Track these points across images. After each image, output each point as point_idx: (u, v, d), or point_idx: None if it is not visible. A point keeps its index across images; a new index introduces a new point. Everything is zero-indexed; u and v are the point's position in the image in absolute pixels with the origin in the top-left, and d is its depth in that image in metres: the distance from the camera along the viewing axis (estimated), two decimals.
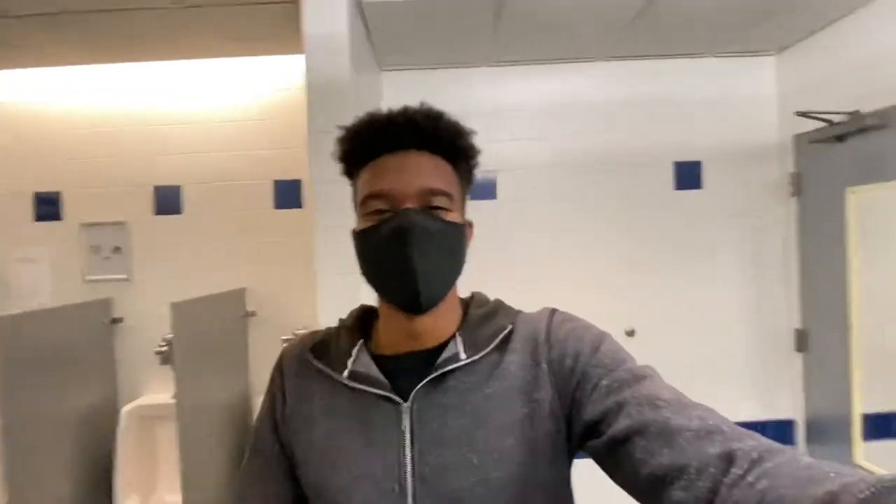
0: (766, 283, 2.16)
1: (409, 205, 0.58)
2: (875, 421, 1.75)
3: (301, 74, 1.48)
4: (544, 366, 0.59)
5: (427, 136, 0.60)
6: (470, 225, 0.66)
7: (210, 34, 1.84)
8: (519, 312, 0.66)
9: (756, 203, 2.17)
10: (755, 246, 2.18)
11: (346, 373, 0.61)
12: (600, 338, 0.60)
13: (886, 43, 1.67)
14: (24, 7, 1.58)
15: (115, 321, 2.13)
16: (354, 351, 0.63)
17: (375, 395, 0.60)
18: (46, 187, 2.14)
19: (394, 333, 0.64)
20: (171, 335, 1.63)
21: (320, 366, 0.64)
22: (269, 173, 2.15)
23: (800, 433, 2.11)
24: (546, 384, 0.59)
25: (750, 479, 0.40)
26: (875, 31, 1.72)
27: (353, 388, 0.61)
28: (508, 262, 2.07)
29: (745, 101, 2.17)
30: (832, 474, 0.37)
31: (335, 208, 1.34)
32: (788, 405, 2.13)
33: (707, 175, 2.17)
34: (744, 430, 0.47)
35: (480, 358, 0.60)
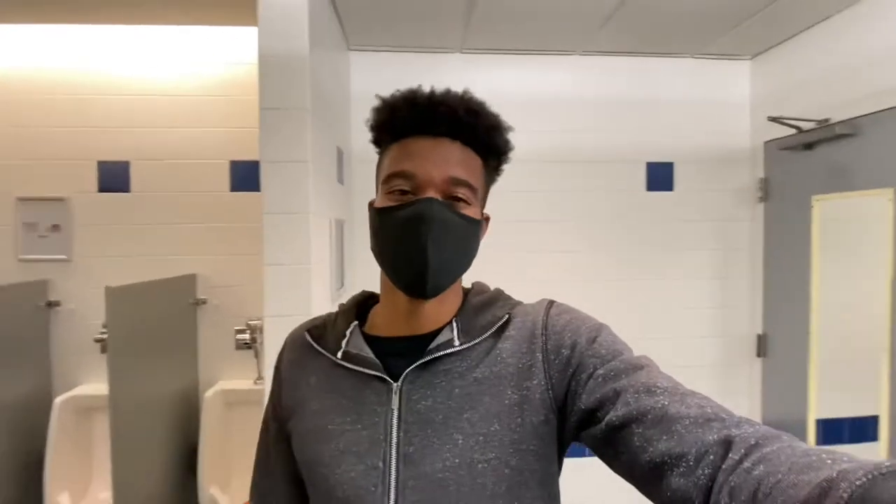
0: (732, 287, 2.17)
1: (431, 192, 0.58)
2: (827, 426, 1.78)
3: None
4: (539, 355, 0.59)
5: (464, 127, 0.60)
6: (487, 219, 0.67)
7: None
8: (518, 303, 0.67)
9: (725, 207, 2.16)
10: (723, 251, 2.18)
11: (339, 353, 0.63)
12: (597, 329, 0.60)
13: (859, 52, 1.66)
14: None
15: (52, 304, 1.98)
16: (348, 332, 0.64)
17: (367, 374, 0.61)
18: None
19: (393, 316, 0.64)
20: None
21: (317, 347, 0.66)
22: (225, 153, 2.03)
23: None
24: (539, 374, 0.59)
25: (747, 464, 0.41)
26: (849, 39, 1.71)
27: (346, 368, 0.62)
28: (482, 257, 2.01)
29: (720, 104, 2.16)
30: (829, 461, 0.37)
31: (285, 192, 1.25)
32: (746, 409, 2.14)
33: (679, 177, 2.15)
34: (741, 416, 0.47)
35: (474, 345, 0.61)
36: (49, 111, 1.97)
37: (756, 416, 2.13)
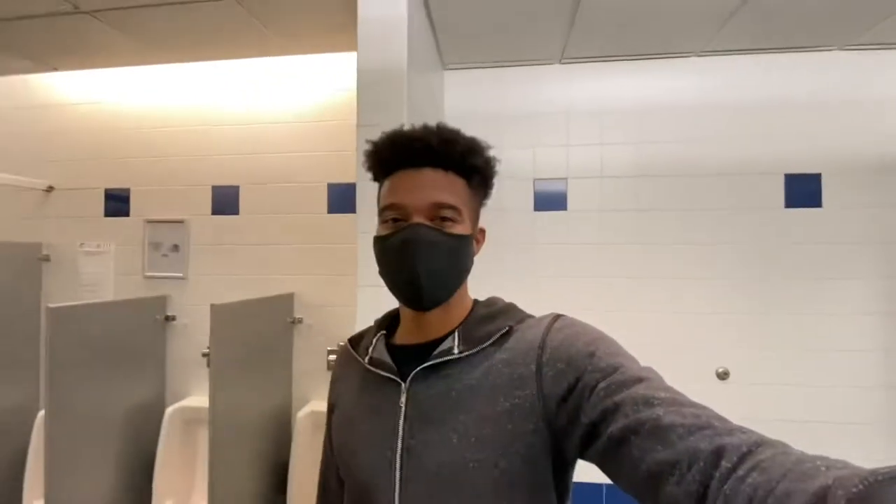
0: None
1: (418, 218, 0.66)
2: None
3: None
4: (532, 367, 0.62)
5: (441, 155, 0.67)
6: (481, 232, 0.75)
7: (270, 31, 1.80)
8: (528, 317, 0.71)
9: (892, 226, 1.77)
10: (888, 279, 1.77)
11: (367, 358, 0.73)
12: (596, 342, 0.61)
13: None
14: (90, 4, 1.61)
15: (169, 319, 2.13)
16: (374, 340, 0.74)
17: (385, 376, 0.70)
18: (117, 184, 2.21)
19: (407, 326, 0.74)
20: None
21: (354, 353, 0.77)
22: (323, 176, 2.07)
23: None
24: (531, 385, 0.62)
25: (740, 472, 0.41)
26: None
27: (372, 371, 0.71)
28: (577, 284, 1.83)
29: (878, 102, 1.80)
30: (824, 468, 0.37)
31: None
32: None
33: (828, 191, 1.80)
34: (736, 424, 0.47)
35: (473, 353, 0.67)
36: (175, 142, 2.17)
37: None
